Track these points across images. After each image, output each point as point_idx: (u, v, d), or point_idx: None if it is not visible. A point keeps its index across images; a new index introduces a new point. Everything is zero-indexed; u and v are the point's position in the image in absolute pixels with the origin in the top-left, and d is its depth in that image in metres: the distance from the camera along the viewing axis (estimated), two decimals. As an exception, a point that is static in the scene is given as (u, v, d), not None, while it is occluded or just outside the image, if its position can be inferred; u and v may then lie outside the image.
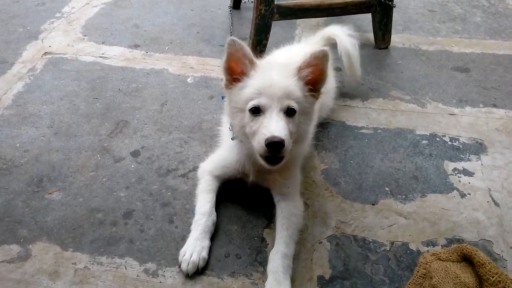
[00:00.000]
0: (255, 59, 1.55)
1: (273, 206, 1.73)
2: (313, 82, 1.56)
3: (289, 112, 1.49)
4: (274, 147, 1.41)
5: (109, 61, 2.71)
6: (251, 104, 1.49)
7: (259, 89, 1.49)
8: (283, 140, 1.41)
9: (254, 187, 1.79)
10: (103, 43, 2.90)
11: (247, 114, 1.51)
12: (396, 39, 2.99)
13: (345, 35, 2.27)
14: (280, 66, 1.58)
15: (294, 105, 1.49)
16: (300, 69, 1.54)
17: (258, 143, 1.45)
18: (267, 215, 1.75)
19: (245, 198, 1.82)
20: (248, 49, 1.54)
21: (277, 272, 1.50)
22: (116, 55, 2.78)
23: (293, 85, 1.51)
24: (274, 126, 1.42)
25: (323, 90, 1.61)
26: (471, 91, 2.52)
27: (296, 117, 1.51)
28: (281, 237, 1.60)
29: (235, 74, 1.56)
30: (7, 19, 3.16)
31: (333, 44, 2.41)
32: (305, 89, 1.55)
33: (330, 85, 2.19)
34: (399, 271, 1.58)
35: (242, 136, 1.62)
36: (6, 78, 2.55)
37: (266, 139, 1.41)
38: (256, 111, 1.49)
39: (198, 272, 1.55)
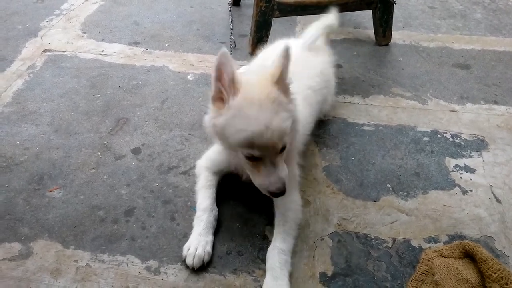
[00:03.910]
0: (237, 82, 1.37)
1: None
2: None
3: (282, 149, 1.43)
4: (277, 195, 1.46)
5: (109, 58, 2.70)
6: (245, 152, 1.40)
7: (249, 139, 1.35)
8: (284, 187, 1.43)
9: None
10: (102, 40, 2.89)
11: (241, 155, 1.44)
12: (397, 35, 2.98)
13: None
14: (261, 98, 1.35)
15: (287, 140, 1.41)
16: (278, 82, 1.38)
17: (260, 187, 1.48)
18: (269, 212, 1.74)
19: (246, 195, 1.81)
20: (234, 68, 1.37)
21: (274, 268, 1.49)
22: (116, 52, 2.77)
23: (283, 122, 1.37)
24: (274, 177, 1.42)
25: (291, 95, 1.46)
26: (472, 88, 2.51)
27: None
28: (278, 232, 1.60)
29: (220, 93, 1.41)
30: (5, 16, 3.14)
31: (331, 41, 2.42)
32: (287, 103, 1.42)
33: (331, 82, 2.20)
34: (401, 267, 1.57)
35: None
36: (5, 75, 2.53)
37: (269, 191, 1.45)
38: (251, 157, 1.42)
39: (204, 266, 1.55)
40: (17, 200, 1.80)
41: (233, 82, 1.37)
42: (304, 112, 1.79)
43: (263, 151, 1.38)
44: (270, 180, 1.43)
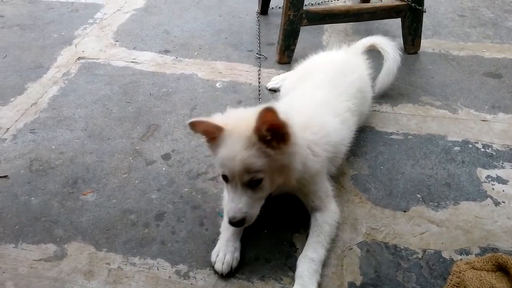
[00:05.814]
0: (219, 125, 1.48)
1: (302, 211, 1.75)
2: (277, 134, 1.44)
3: (252, 184, 1.47)
4: (236, 225, 1.51)
5: (140, 66, 2.78)
6: (220, 171, 1.53)
7: (222, 160, 1.48)
8: (243, 218, 1.48)
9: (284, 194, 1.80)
10: (134, 48, 2.97)
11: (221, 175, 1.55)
12: (426, 44, 2.95)
13: (391, 46, 2.36)
14: (240, 135, 1.46)
15: (257, 176, 1.47)
16: (257, 131, 1.43)
17: (225, 211, 1.58)
18: (297, 220, 1.76)
19: (275, 202, 1.82)
20: (209, 121, 1.49)
21: (303, 276, 1.51)
22: (147, 60, 2.84)
23: (252, 157, 1.44)
24: (234, 206, 1.48)
25: (292, 141, 1.48)
26: (504, 97, 2.46)
27: (264, 181, 1.49)
28: (310, 242, 1.62)
29: (212, 135, 1.53)
30: (42, 25, 3.28)
31: (371, 51, 2.41)
32: (269, 150, 1.45)
33: (368, 94, 2.20)
34: (431, 279, 1.55)
35: None
36: (42, 82, 2.64)
37: (229, 218, 1.49)
38: (225, 178, 1.50)
39: (232, 272, 1.57)
40: (52, 203, 1.87)
41: (214, 126, 1.49)
42: (342, 134, 1.85)
43: (231, 172, 1.47)
44: (230, 206, 1.49)
